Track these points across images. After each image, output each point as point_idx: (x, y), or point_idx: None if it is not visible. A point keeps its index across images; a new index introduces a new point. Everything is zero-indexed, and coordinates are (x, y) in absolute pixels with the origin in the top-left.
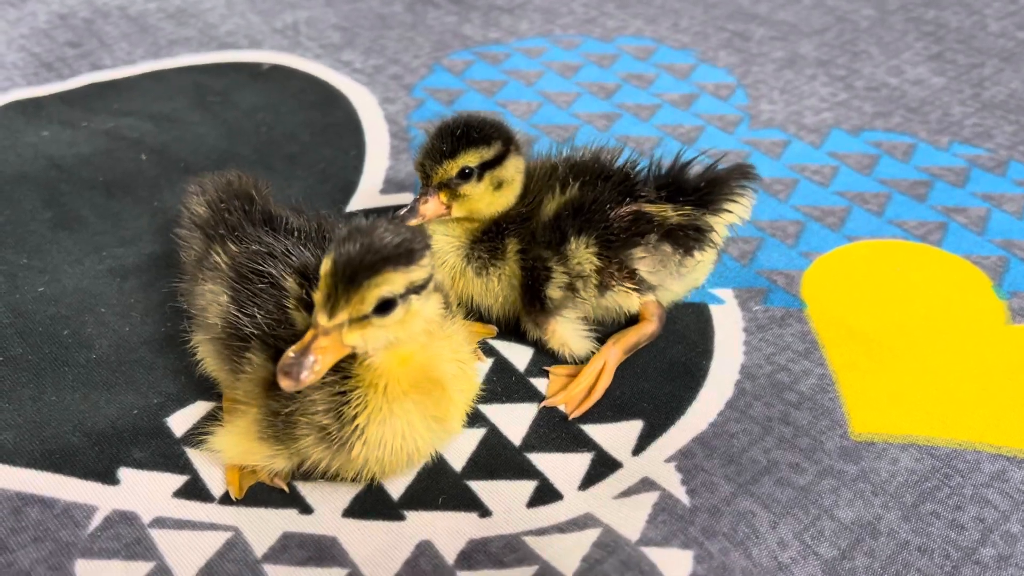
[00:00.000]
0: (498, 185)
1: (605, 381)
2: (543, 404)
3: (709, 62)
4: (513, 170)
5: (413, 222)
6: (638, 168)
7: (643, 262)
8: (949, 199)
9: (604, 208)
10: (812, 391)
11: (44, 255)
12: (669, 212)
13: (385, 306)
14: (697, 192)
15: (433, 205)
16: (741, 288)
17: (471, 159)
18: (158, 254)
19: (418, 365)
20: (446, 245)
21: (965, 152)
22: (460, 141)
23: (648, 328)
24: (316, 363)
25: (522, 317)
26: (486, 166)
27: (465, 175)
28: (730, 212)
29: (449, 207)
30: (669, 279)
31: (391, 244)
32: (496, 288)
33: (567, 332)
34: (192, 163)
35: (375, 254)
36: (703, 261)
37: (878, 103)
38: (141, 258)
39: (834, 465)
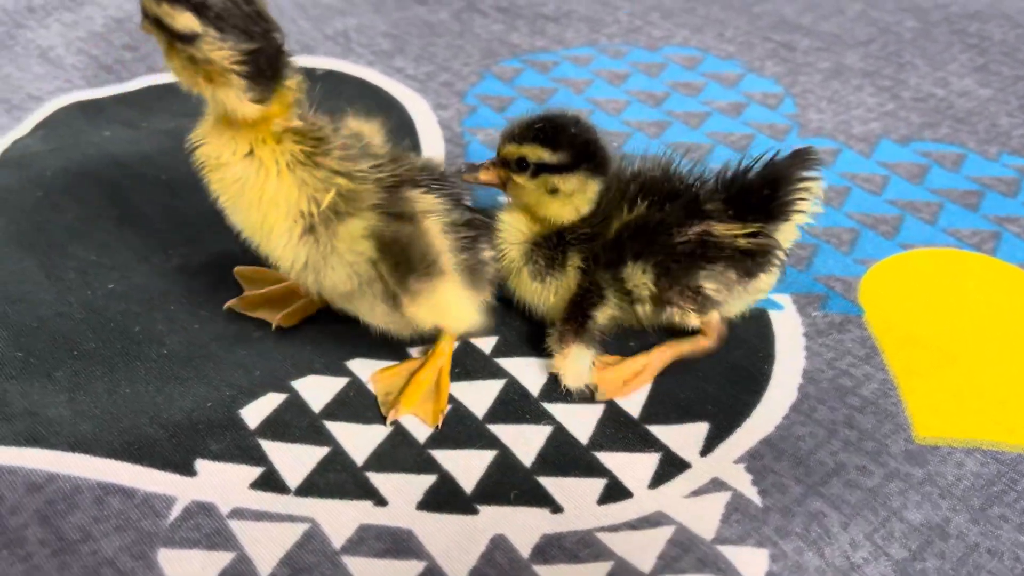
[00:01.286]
0: (552, 191)
1: (645, 379)
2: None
3: (756, 71)
4: (575, 185)
5: (466, 178)
6: (706, 181)
7: (707, 284)
8: (1001, 209)
9: (668, 231)
10: (874, 395)
11: (113, 252)
12: (737, 232)
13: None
14: (763, 200)
15: (490, 175)
16: (799, 294)
17: (531, 154)
18: (222, 253)
19: None
20: (510, 236)
21: (1015, 163)
22: (532, 133)
23: (705, 343)
24: None
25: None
26: (544, 167)
27: (522, 166)
28: (801, 212)
29: (504, 185)
30: (732, 298)
31: None
32: (547, 296)
33: (576, 363)
34: None
35: None
36: (768, 280)
37: (925, 114)
38: (206, 256)
39: (900, 468)
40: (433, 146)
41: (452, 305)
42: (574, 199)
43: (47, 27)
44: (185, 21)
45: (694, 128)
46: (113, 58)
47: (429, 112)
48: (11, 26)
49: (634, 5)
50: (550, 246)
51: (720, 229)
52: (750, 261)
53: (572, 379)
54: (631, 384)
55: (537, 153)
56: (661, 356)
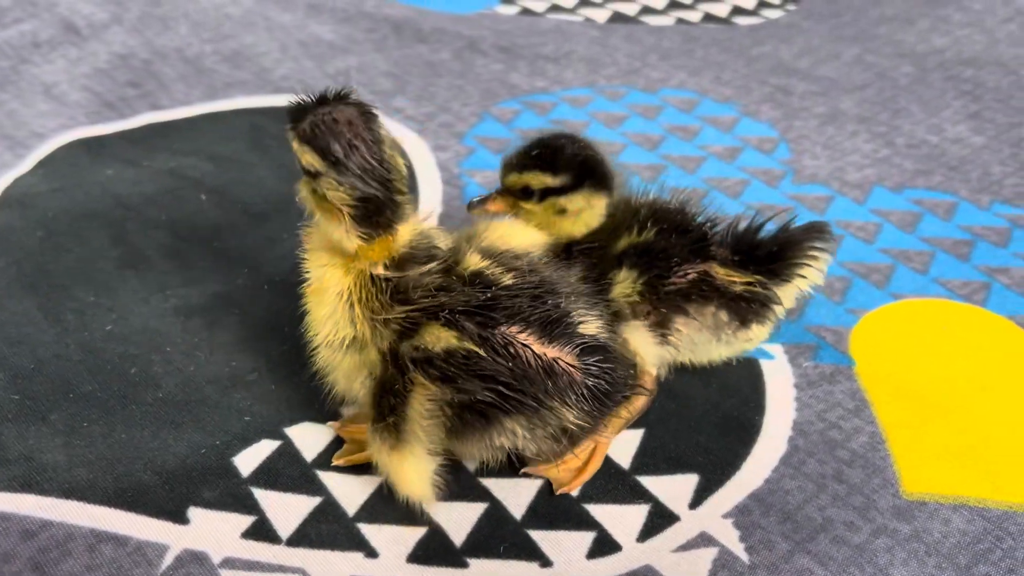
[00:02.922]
0: (560, 211)
1: (596, 463)
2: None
3: (752, 116)
4: (582, 203)
5: (475, 211)
6: (716, 227)
7: (683, 324)
8: (992, 259)
9: (670, 260)
10: (863, 449)
11: (112, 293)
12: (736, 279)
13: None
14: (770, 256)
15: (498, 205)
16: (790, 344)
17: (533, 181)
18: (221, 294)
19: None
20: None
21: (1006, 212)
22: (532, 161)
23: (637, 403)
24: None
25: None
26: (549, 191)
27: (528, 193)
28: (803, 277)
29: (514, 213)
30: (715, 345)
31: None
32: None
33: (639, 340)
34: (251, 205)
35: None
36: (760, 332)
37: (919, 161)
38: (204, 298)
39: (888, 524)
40: (431, 188)
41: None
42: (583, 216)
43: (52, 62)
44: (310, 159)
45: (690, 173)
46: (116, 95)
47: (428, 153)
48: (16, 61)
49: (632, 46)
50: (560, 260)
51: (720, 272)
52: (745, 307)
53: (649, 354)
54: (587, 471)
55: (540, 179)
56: (606, 437)
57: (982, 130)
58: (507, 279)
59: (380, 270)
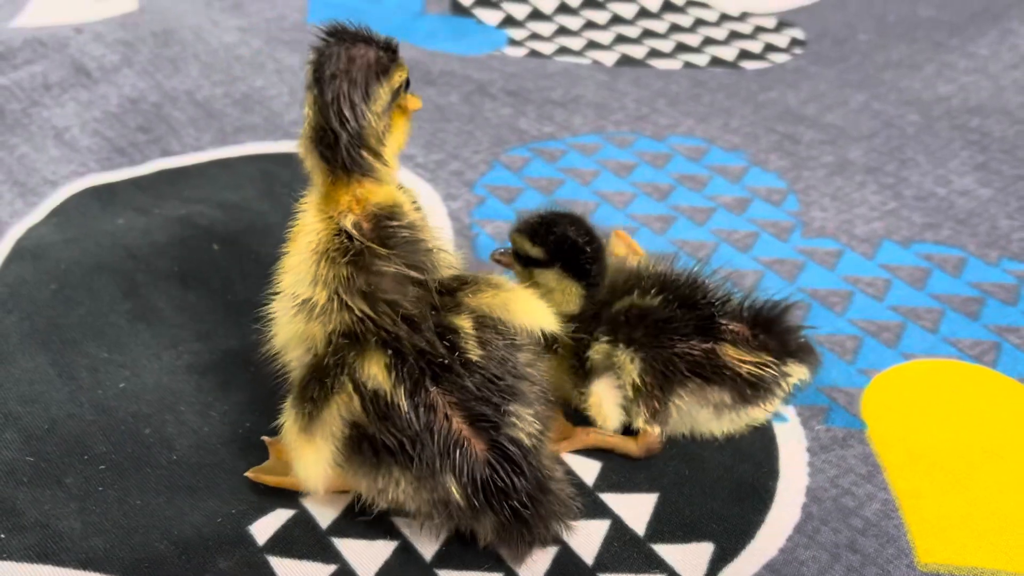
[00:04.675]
0: (534, 282)
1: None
2: None
3: (760, 165)
4: (552, 281)
5: (494, 260)
6: (728, 301)
7: (682, 401)
8: (1002, 318)
9: (671, 335)
10: (877, 517)
11: (124, 349)
12: (747, 359)
13: None
14: (786, 335)
15: (505, 259)
16: (803, 405)
17: (518, 244)
18: (234, 349)
19: None
20: None
21: (1014, 268)
22: (525, 226)
23: (633, 449)
24: None
25: (569, 388)
26: (529, 260)
27: (517, 255)
28: (803, 370)
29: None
30: (716, 422)
31: None
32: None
33: (604, 395)
34: (264, 255)
35: None
36: (761, 414)
37: (927, 213)
38: (217, 354)
39: None
40: (442, 238)
41: None
42: (554, 295)
43: (62, 105)
44: (309, 76)
45: (700, 224)
46: (127, 140)
47: (440, 203)
48: (27, 103)
49: (641, 91)
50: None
51: (731, 352)
52: (749, 390)
53: (610, 415)
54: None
55: (523, 245)
56: (583, 439)
57: (989, 182)
58: (475, 354)
59: (348, 222)
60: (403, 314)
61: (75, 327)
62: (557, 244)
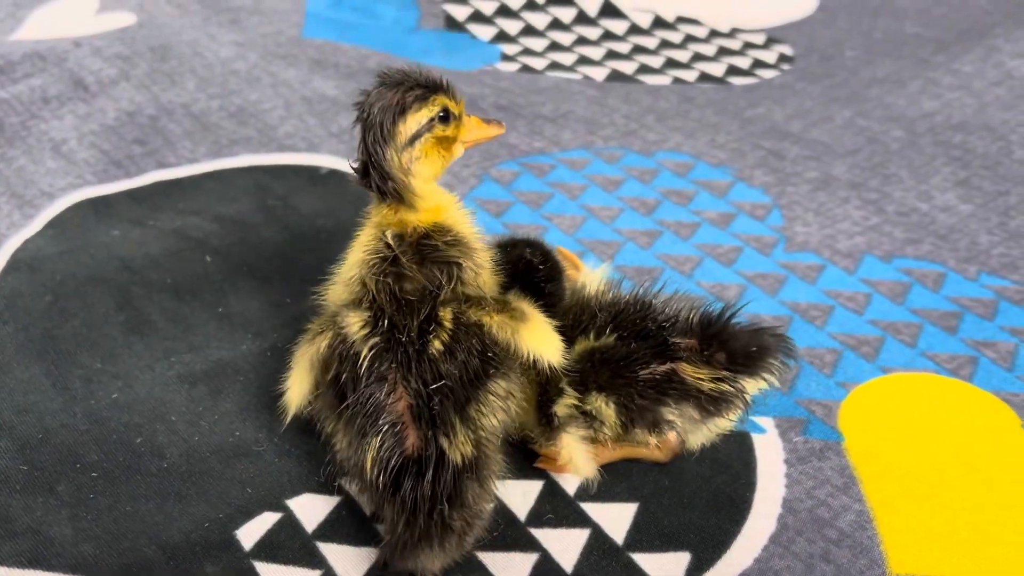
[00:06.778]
0: None
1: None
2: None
3: (745, 180)
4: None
5: None
6: (678, 321)
7: (669, 416)
8: (979, 332)
9: (634, 368)
10: (851, 528)
11: (117, 360)
12: (704, 376)
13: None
14: (742, 355)
15: None
16: (781, 417)
17: None
18: (224, 360)
19: None
20: None
21: (993, 283)
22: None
23: (657, 454)
24: None
25: (535, 432)
26: None
27: None
28: (766, 379)
29: None
30: (692, 431)
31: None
32: None
33: (574, 450)
34: (256, 267)
35: None
36: (726, 423)
37: (909, 229)
38: (208, 365)
39: None
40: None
41: None
42: None
43: (60, 118)
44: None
45: (684, 239)
46: (124, 153)
47: None
48: (26, 116)
49: (630, 106)
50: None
51: (689, 371)
52: (712, 405)
53: (583, 466)
54: (566, 469)
55: None
56: (610, 453)
57: (970, 198)
58: (435, 349)
59: (388, 237)
60: (401, 296)
61: (70, 338)
62: (513, 265)
